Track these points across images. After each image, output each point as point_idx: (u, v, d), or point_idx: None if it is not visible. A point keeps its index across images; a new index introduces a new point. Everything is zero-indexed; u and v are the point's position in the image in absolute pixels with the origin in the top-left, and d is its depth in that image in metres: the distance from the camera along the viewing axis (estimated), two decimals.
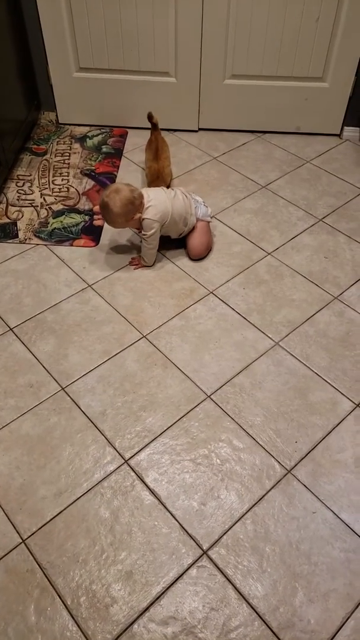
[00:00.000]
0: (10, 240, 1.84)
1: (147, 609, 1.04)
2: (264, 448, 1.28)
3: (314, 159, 2.24)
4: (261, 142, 2.34)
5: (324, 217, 1.95)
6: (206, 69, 2.18)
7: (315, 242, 1.85)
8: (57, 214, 1.94)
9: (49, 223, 1.91)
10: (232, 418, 1.34)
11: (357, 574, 1.08)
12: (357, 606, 1.04)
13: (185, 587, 1.06)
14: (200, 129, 2.39)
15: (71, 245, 1.83)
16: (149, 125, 1.96)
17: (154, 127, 1.96)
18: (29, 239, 1.84)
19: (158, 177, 1.95)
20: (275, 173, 2.16)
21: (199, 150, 2.29)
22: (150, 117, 1.94)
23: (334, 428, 1.32)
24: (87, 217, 1.93)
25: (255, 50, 2.11)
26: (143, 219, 1.64)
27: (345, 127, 2.33)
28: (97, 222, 1.91)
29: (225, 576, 1.08)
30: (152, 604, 1.04)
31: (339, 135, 2.37)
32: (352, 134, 2.35)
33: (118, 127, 2.40)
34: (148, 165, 1.99)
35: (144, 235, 1.66)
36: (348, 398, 1.38)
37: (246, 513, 1.16)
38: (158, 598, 1.05)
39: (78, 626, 1.01)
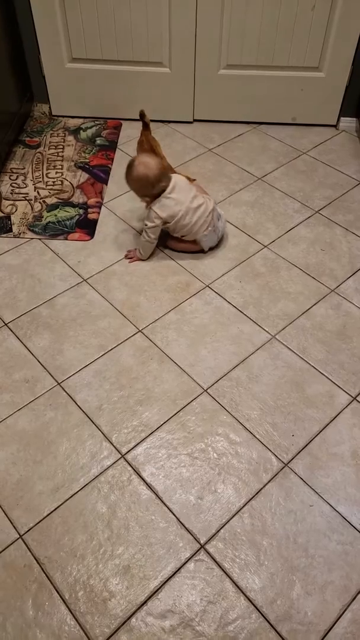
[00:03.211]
0: (4, 235, 1.82)
1: (144, 602, 1.04)
2: (260, 442, 1.28)
3: (310, 150, 2.22)
4: (257, 133, 2.32)
5: (320, 209, 1.94)
6: (201, 59, 2.15)
7: (312, 234, 1.84)
8: (51, 208, 1.93)
9: (43, 217, 1.89)
10: (228, 412, 1.33)
11: (354, 566, 1.08)
12: (354, 598, 1.05)
13: (182, 580, 1.07)
14: (195, 120, 2.36)
15: (66, 239, 1.81)
16: None
17: (145, 127, 1.93)
18: (23, 233, 1.83)
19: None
20: (271, 165, 2.15)
21: (194, 141, 2.27)
22: (142, 115, 1.91)
23: (330, 421, 1.32)
24: (81, 211, 1.92)
25: (250, 39, 2.09)
26: (150, 208, 1.62)
27: (342, 118, 2.31)
28: (91, 216, 1.90)
29: (222, 570, 1.08)
30: (149, 597, 1.05)
31: (335, 126, 2.35)
32: (349, 125, 2.33)
33: (112, 119, 2.38)
34: None
35: (145, 224, 1.65)
36: (345, 391, 1.38)
37: (243, 507, 1.17)
38: (156, 592, 1.05)
39: (76, 620, 1.02)
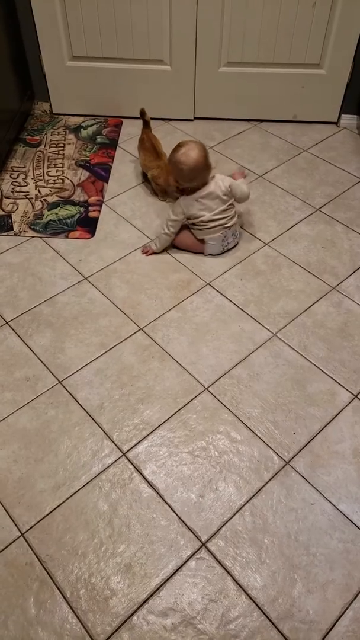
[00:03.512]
0: (5, 233, 1.82)
1: (146, 600, 1.04)
2: (262, 440, 1.28)
3: (311, 147, 2.22)
4: (258, 130, 2.31)
5: (321, 207, 1.93)
6: (201, 56, 2.14)
7: (313, 232, 1.83)
8: (52, 206, 1.92)
9: (44, 215, 1.89)
10: (229, 410, 1.33)
11: (355, 565, 1.08)
12: (356, 596, 1.05)
13: (184, 578, 1.07)
14: (195, 118, 2.36)
15: (67, 237, 1.81)
16: None
17: (146, 125, 1.92)
18: (24, 231, 1.83)
19: (169, 172, 1.79)
20: (272, 162, 2.14)
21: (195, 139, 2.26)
22: (142, 113, 1.90)
23: (332, 419, 1.32)
24: (82, 209, 1.92)
25: (251, 36, 2.08)
26: (177, 201, 1.64)
27: (343, 115, 2.30)
28: (92, 214, 1.90)
29: (224, 568, 1.08)
30: (151, 595, 1.05)
31: (336, 123, 2.34)
32: (350, 122, 2.32)
33: (113, 117, 2.37)
34: (154, 165, 1.86)
35: (168, 215, 1.67)
36: (346, 389, 1.38)
37: (244, 505, 1.17)
38: (157, 590, 1.05)
39: (78, 618, 1.02)
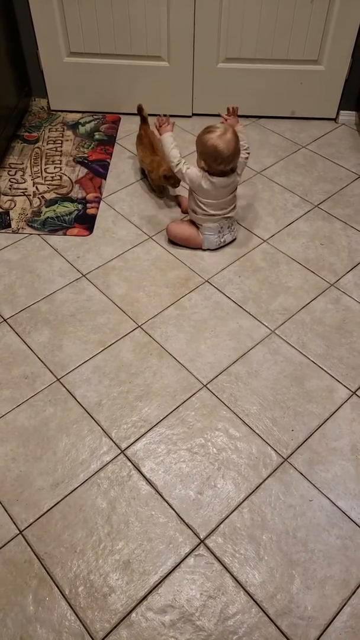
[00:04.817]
0: (3, 230, 1.81)
1: (145, 597, 1.04)
2: (260, 436, 1.28)
3: (309, 144, 2.21)
4: (256, 127, 2.30)
5: (319, 203, 1.93)
6: (199, 52, 2.14)
7: (311, 228, 1.83)
8: (50, 203, 1.92)
9: (41, 212, 1.88)
10: (228, 407, 1.33)
11: (353, 561, 1.09)
12: (354, 592, 1.05)
13: (182, 575, 1.07)
14: (194, 114, 2.35)
15: (65, 234, 1.80)
16: None
17: (144, 121, 1.91)
18: (22, 228, 1.82)
19: (160, 165, 1.81)
20: (270, 159, 2.13)
21: (193, 136, 2.24)
22: (140, 109, 1.89)
23: (330, 416, 1.32)
24: (80, 206, 1.91)
25: (249, 32, 2.07)
26: (199, 168, 1.60)
27: (341, 111, 2.30)
28: (90, 211, 1.89)
29: (222, 564, 1.08)
30: (149, 592, 1.05)
31: (334, 120, 2.33)
32: (348, 118, 2.31)
33: (111, 114, 2.36)
34: (149, 160, 1.87)
35: (188, 167, 1.62)
36: (344, 385, 1.38)
37: (243, 502, 1.17)
38: (156, 587, 1.05)
39: (76, 615, 1.02)
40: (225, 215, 1.67)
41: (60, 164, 2.10)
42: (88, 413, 1.32)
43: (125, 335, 1.49)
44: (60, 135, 2.25)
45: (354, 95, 2.24)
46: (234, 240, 1.77)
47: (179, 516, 1.15)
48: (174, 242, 1.75)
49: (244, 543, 1.11)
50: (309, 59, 2.14)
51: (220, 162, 1.54)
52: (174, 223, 1.76)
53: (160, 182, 1.85)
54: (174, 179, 1.78)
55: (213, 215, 1.66)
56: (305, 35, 2.07)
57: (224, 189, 1.61)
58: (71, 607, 1.03)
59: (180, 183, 1.79)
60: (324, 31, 2.05)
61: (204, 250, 1.73)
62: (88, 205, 1.91)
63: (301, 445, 1.26)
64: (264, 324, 1.52)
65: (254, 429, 1.29)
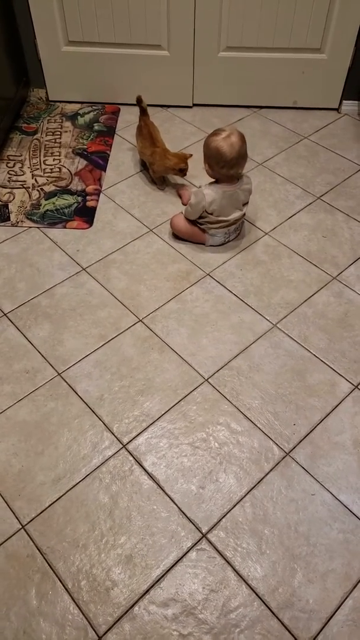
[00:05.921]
0: (2, 223, 1.80)
1: (147, 591, 1.05)
2: (262, 431, 1.27)
3: (311, 134, 2.19)
4: (257, 117, 2.28)
5: (322, 195, 1.91)
6: (200, 41, 2.10)
7: (313, 221, 1.82)
8: (49, 196, 1.90)
9: (41, 205, 1.87)
10: (230, 401, 1.33)
11: (355, 554, 1.09)
12: (355, 586, 1.05)
13: (184, 569, 1.07)
14: (194, 105, 2.32)
15: (64, 227, 1.79)
16: None
17: (143, 112, 1.89)
18: (21, 221, 1.81)
19: (166, 157, 1.80)
20: (272, 150, 2.11)
21: (194, 126, 2.23)
22: (139, 100, 1.87)
23: (332, 410, 1.31)
24: (79, 198, 1.89)
25: (250, 20, 2.03)
26: (201, 186, 1.60)
27: (344, 101, 2.27)
28: (90, 203, 1.87)
29: (224, 558, 1.09)
30: (152, 586, 1.05)
31: (337, 110, 2.31)
32: (351, 108, 2.29)
33: (110, 104, 2.34)
34: (149, 152, 1.85)
35: (189, 199, 1.63)
36: (346, 379, 1.37)
37: (245, 496, 1.17)
38: (158, 581, 1.06)
39: (79, 609, 1.02)
40: (230, 224, 1.65)
41: (59, 155, 2.08)
42: (89, 408, 1.32)
43: (126, 329, 1.49)
44: (59, 126, 2.23)
45: (357, 85, 2.21)
46: (238, 235, 1.75)
47: (181, 510, 1.15)
48: (177, 235, 1.74)
49: (245, 537, 1.11)
50: (312, 47, 2.11)
51: (223, 165, 1.51)
52: (178, 216, 1.73)
53: (164, 173, 1.84)
54: (186, 169, 1.79)
55: (221, 228, 1.65)
56: (308, 23, 2.03)
57: (233, 203, 1.60)
58: (74, 601, 1.03)
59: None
60: (326, 19, 2.02)
61: (207, 246, 1.72)
62: (88, 197, 1.90)
63: (303, 439, 1.26)
64: (265, 318, 1.51)
65: (256, 423, 1.29)
